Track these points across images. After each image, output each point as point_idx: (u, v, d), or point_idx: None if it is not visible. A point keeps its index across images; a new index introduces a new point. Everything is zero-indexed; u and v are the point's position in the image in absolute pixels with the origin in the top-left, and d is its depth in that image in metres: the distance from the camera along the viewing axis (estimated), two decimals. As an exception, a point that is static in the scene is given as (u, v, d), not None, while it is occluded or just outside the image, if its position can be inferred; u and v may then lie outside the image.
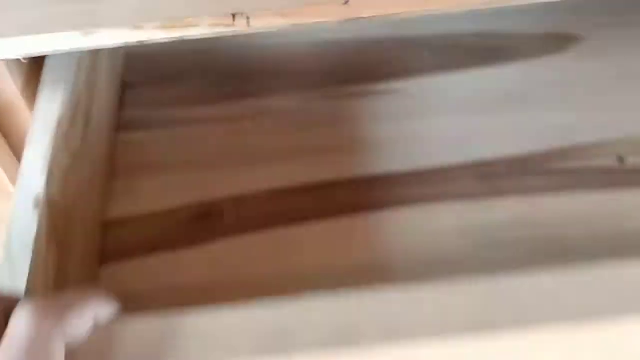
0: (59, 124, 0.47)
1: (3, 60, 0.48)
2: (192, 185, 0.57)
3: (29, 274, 0.39)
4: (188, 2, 0.44)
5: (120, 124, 0.63)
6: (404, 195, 0.55)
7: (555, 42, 0.67)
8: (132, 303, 0.40)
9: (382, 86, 0.63)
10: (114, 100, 0.63)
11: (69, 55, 0.52)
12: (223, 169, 0.58)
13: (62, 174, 0.47)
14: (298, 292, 0.44)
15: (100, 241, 0.54)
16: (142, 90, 0.65)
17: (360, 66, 0.65)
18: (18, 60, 0.49)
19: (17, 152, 0.57)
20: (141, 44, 0.45)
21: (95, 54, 0.58)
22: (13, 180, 0.58)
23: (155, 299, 0.51)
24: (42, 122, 0.48)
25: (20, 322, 0.32)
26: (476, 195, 0.54)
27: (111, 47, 0.44)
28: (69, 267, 0.47)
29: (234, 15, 0.44)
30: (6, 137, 0.56)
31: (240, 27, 0.44)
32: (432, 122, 0.60)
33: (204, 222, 0.55)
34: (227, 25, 0.44)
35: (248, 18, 0.44)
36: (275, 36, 0.68)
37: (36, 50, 0.44)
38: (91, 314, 0.35)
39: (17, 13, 0.45)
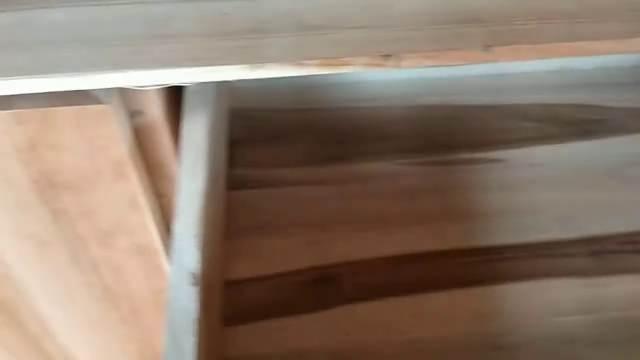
0: (205, 194, 0.49)
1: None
2: (308, 247, 0.59)
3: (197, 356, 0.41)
4: (344, 43, 0.46)
5: (230, 182, 0.65)
6: (517, 269, 0.57)
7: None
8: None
9: (484, 154, 0.65)
10: (225, 156, 0.65)
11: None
12: (336, 233, 0.60)
13: (207, 242, 0.49)
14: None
15: (223, 303, 0.56)
16: (247, 149, 0.68)
17: (462, 133, 0.67)
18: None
19: (153, 172, 0.60)
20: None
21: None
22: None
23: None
24: (188, 179, 0.50)
25: None
26: (589, 271, 0.56)
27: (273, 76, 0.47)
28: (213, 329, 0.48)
29: (387, 56, 0.46)
30: (146, 158, 0.58)
31: (390, 66, 0.47)
32: (539, 194, 0.62)
33: (323, 287, 0.57)
34: (379, 65, 0.46)
35: (400, 59, 0.46)
36: (378, 99, 0.70)
37: (205, 79, 0.46)
38: None
39: (188, 45, 0.47)
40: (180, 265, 0.45)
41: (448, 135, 0.67)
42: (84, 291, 0.70)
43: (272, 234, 0.60)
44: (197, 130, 0.53)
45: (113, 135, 0.53)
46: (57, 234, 0.62)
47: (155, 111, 0.55)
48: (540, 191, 0.62)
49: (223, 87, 0.64)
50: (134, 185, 0.58)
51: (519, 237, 0.59)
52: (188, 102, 0.54)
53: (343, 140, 0.67)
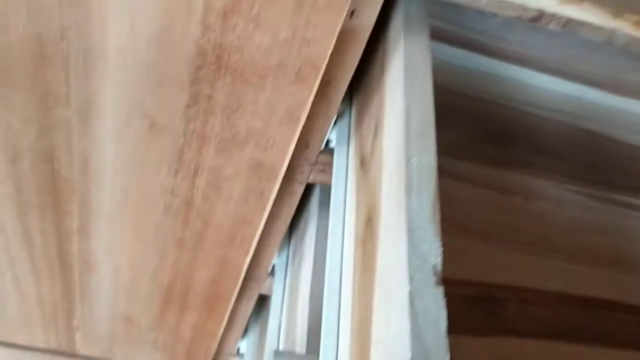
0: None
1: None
2: (469, 256, 0.51)
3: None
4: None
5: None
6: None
7: None
8: None
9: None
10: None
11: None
12: (497, 248, 0.52)
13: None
14: None
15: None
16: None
17: (630, 174, 0.61)
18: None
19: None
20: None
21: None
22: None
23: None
24: (420, 144, 0.40)
25: None
26: None
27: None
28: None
29: None
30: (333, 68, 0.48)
31: None
32: None
33: (484, 306, 0.49)
34: None
35: None
36: (543, 107, 0.62)
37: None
38: None
39: None
40: (418, 255, 0.36)
41: (612, 171, 0.61)
42: (159, 194, 0.58)
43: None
44: (423, 75, 0.43)
45: (328, 29, 0.42)
46: (179, 120, 0.50)
47: (369, 16, 0.44)
48: None
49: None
50: (307, 94, 0.47)
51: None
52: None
53: (502, 141, 0.60)
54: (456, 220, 0.53)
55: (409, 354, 0.31)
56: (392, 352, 0.34)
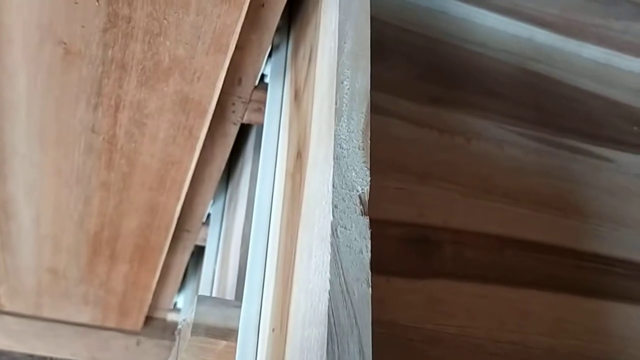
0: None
1: None
2: (406, 197, 0.48)
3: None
4: None
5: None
6: (627, 288, 0.50)
7: None
8: None
9: (595, 148, 0.58)
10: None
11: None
12: (435, 188, 0.50)
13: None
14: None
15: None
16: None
17: (572, 116, 0.59)
18: None
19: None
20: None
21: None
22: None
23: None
24: (354, 65, 0.37)
25: None
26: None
27: None
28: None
29: None
30: None
31: None
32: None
33: (419, 247, 0.46)
34: None
35: None
36: (486, 46, 0.60)
37: None
38: None
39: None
40: (345, 183, 0.33)
41: (559, 114, 0.59)
42: (79, 132, 0.53)
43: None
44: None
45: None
46: (96, 45, 0.45)
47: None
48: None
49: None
50: (236, 16, 0.43)
51: (630, 253, 0.52)
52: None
53: (448, 80, 0.57)
54: (394, 159, 0.50)
55: (327, 286, 0.29)
56: (311, 288, 0.31)
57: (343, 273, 0.29)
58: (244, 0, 0.43)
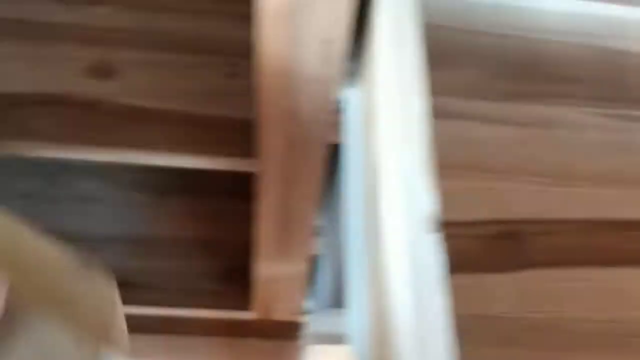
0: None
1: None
2: (491, 196, 0.51)
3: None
4: None
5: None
6: None
7: None
8: None
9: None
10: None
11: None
12: (519, 183, 0.52)
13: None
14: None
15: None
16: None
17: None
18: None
19: None
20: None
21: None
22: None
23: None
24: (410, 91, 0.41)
25: None
26: None
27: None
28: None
29: None
30: None
31: None
32: None
33: (506, 243, 0.50)
34: None
35: None
36: (557, 32, 0.61)
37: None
38: None
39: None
40: (414, 205, 0.37)
41: (636, 86, 0.59)
42: None
43: (444, 176, 0.52)
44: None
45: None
46: None
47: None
48: None
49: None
50: None
51: None
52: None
53: (521, 74, 0.59)
54: (477, 160, 0.53)
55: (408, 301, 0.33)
56: (394, 301, 0.35)
57: (418, 287, 0.34)
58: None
